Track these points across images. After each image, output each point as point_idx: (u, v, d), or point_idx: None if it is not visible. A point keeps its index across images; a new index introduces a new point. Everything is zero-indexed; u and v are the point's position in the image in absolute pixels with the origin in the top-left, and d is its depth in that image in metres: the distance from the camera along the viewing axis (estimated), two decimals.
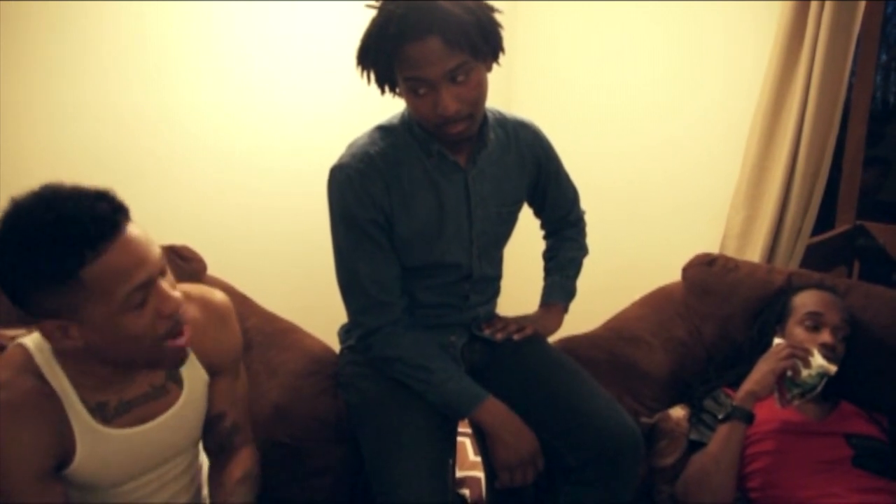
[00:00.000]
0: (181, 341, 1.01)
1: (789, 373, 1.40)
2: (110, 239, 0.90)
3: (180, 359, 1.04)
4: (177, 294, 0.99)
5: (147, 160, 1.83)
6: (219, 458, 1.23)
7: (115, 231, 0.91)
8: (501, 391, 1.38)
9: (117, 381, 1.05)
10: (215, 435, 1.21)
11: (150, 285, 0.94)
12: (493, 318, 1.57)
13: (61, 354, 1.00)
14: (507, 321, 1.55)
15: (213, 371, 1.18)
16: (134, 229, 0.94)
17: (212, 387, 1.18)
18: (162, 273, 0.97)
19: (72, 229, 0.88)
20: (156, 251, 0.96)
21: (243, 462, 1.22)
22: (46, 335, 0.94)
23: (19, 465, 0.95)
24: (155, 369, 1.07)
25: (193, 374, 1.14)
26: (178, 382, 1.12)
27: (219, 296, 1.20)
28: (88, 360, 0.99)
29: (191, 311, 1.07)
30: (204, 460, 1.31)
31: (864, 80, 2.13)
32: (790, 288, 1.68)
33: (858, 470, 1.39)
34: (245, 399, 1.26)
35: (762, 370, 1.43)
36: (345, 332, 1.55)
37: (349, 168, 1.32)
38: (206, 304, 1.16)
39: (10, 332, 1.18)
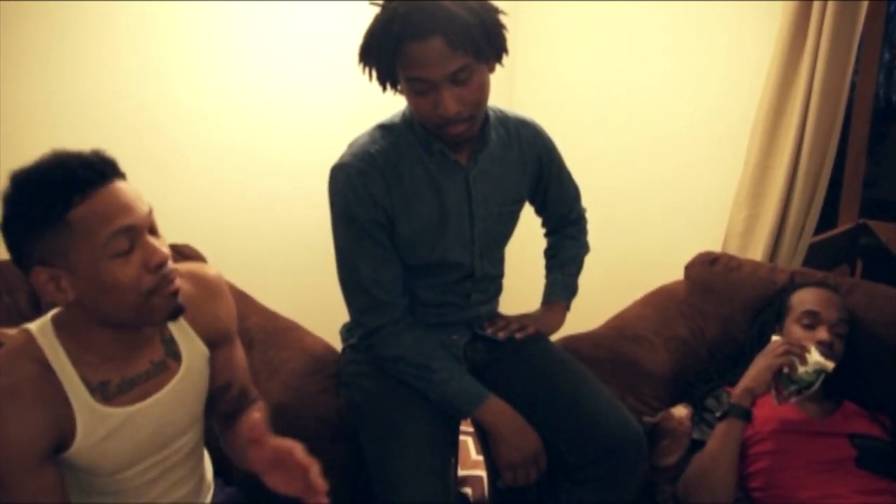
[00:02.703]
0: (171, 289, 1.03)
1: (786, 369, 1.40)
2: (98, 186, 0.95)
3: (173, 309, 1.05)
4: (165, 249, 1.01)
5: (148, 159, 1.83)
6: (231, 423, 1.25)
7: (103, 179, 0.96)
8: (503, 390, 1.38)
9: (118, 356, 1.06)
10: (225, 403, 1.24)
11: (134, 233, 0.98)
12: (495, 316, 1.57)
13: (62, 328, 1.02)
14: (509, 320, 1.55)
15: (212, 343, 1.20)
16: (124, 185, 0.99)
17: (213, 360, 1.20)
18: (152, 231, 1.01)
19: (61, 174, 0.94)
20: (143, 207, 1.00)
21: (257, 409, 1.25)
22: (40, 288, 0.97)
23: (15, 449, 0.97)
24: (149, 323, 1.08)
25: (192, 347, 1.16)
26: (178, 358, 1.14)
27: (210, 270, 1.23)
28: (85, 326, 1.02)
29: (184, 287, 1.08)
30: (208, 464, 1.32)
31: (867, 79, 2.13)
32: (790, 286, 1.68)
33: (861, 471, 1.39)
34: (244, 362, 1.28)
35: (758, 367, 1.43)
36: (346, 331, 1.55)
37: (350, 167, 1.31)
38: (197, 279, 1.18)
39: (11, 331, 1.18)
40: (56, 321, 1.03)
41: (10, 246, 0.96)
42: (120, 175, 0.99)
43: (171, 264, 1.02)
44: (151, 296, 1.00)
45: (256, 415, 1.07)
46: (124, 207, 0.97)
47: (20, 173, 0.96)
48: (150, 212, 1.01)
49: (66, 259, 0.95)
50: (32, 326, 1.03)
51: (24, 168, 0.96)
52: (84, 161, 0.96)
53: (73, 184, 0.94)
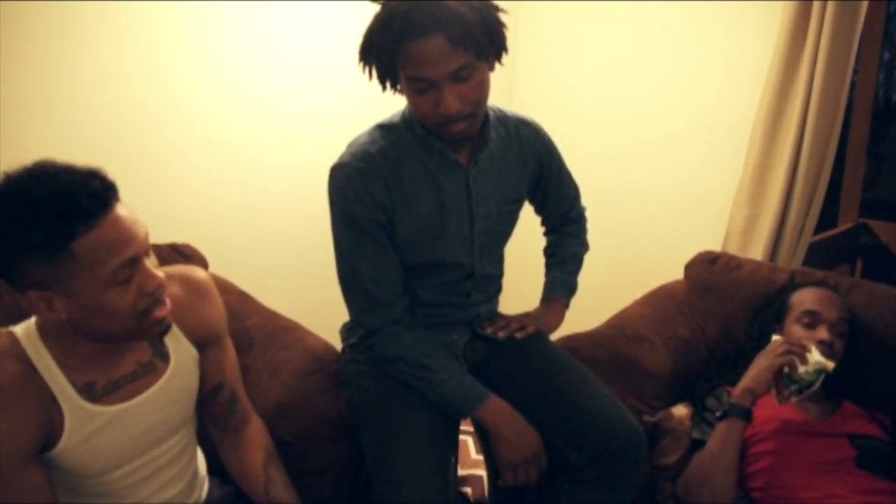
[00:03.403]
0: (161, 311, 1.03)
1: (786, 369, 1.40)
2: (101, 215, 0.93)
3: (162, 329, 1.06)
4: (160, 273, 1.02)
5: (148, 158, 1.83)
6: (226, 434, 1.26)
7: (107, 207, 0.94)
8: (504, 389, 1.38)
9: (104, 359, 1.06)
10: (217, 406, 1.24)
11: (136, 262, 0.98)
12: (494, 316, 1.57)
13: (47, 334, 1.02)
14: (508, 319, 1.55)
15: (201, 345, 1.20)
16: (122, 208, 0.97)
17: (203, 361, 1.21)
18: (146, 253, 1.01)
19: (65, 203, 0.91)
20: (142, 230, 0.99)
21: (257, 440, 1.27)
22: (31, 307, 0.96)
23: (1, 448, 0.97)
24: (136, 340, 1.08)
25: (180, 348, 1.16)
26: (165, 358, 1.14)
27: (199, 272, 1.23)
28: (72, 336, 1.01)
29: (173, 289, 1.09)
30: (202, 464, 1.32)
31: (867, 79, 2.13)
32: (790, 286, 1.68)
33: (861, 471, 1.39)
34: (236, 368, 1.29)
35: (759, 367, 1.43)
36: (346, 331, 1.55)
37: (349, 167, 1.31)
38: (186, 281, 1.19)
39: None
40: (40, 326, 1.03)
41: (1, 266, 0.94)
42: (118, 197, 0.98)
43: (163, 287, 1.03)
44: (143, 317, 1.00)
45: None
46: (127, 238, 0.96)
47: (13, 192, 0.92)
48: (147, 234, 1.01)
49: (65, 285, 0.94)
50: (17, 329, 1.03)
51: (17, 186, 0.92)
52: (89, 189, 0.93)
53: (77, 213, 0.91)
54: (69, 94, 1.67)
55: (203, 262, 1.61)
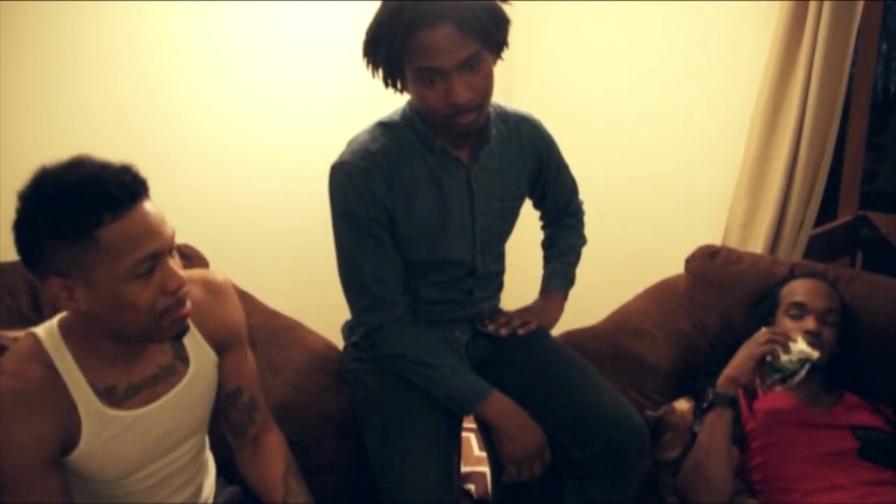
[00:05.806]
0: (182, 312, 1.03)
1: (769, 358, 1.41)
2: (129, 206, 0.95)
3: (180, 330, 1.06)
4: (182, 273, 1.02)
5: (148, 158, 1.78)
6: (245, 443, 1.25)
7: (134, 200, 0.96)
8: (506, 386, 1.38)
9: (124, 361, 1.06)
10: (236, 412, 1.24)
11: (158, 258, 0.98)
12: (496, 313, 1.56)
13: (69, 334, 1.02)
14: (510, 316, 1.55)
15: (221, 348, 1.20)
16: (150, 205, 0.99)
17: (223, 365, 1.21)
18: (171, 252, 1.01)
19: (94, 189, 0.93)
20: (169, 229, 1.00)
21: (277, 451, 1.26)
22: (52, 295, 0.97)
23: (21, 453, 0.97)
24: (155, 341, 1.09)
25: (199, 352, 1.16)
26: (185, 361, 1.14)
27: (219, 275, 1.23)
28: (93, 335, 1.02)
29: (193, 291, 1.09)
30: (211, 465, 1.32)
31: (866, 70, 2.13)
32: (788, 279, 1.68)
33: (864, 462, 1.40)
34: (256, 376, 1.28)
35: (742, 356, 1.45)
36: (348, 329, 1.55)
37: (350, 165, 1.31)
38: (206, 283, 1.19)
39: (12, 334, 1.18)
40: (63, 326, 1.03)
41: (26, 249, 0.95)
42: (147, 194, 0.99)
43: (185, 287, 1.02)
44: (163, 317, 1.00)
45: None
46: (152, 232, 0.97)
47: (47, 179, 0.94)
48: (173, 235, 1.01)
49: (86, 274, 0.94)
50: (39, 330, 1.03)
51: (51, 173, 0.94)
52: (118, 179, 0.94)
53: (105, 201, 0.93)
54: (69, 94, 1.67)
55: (203, 262, 1.61)
